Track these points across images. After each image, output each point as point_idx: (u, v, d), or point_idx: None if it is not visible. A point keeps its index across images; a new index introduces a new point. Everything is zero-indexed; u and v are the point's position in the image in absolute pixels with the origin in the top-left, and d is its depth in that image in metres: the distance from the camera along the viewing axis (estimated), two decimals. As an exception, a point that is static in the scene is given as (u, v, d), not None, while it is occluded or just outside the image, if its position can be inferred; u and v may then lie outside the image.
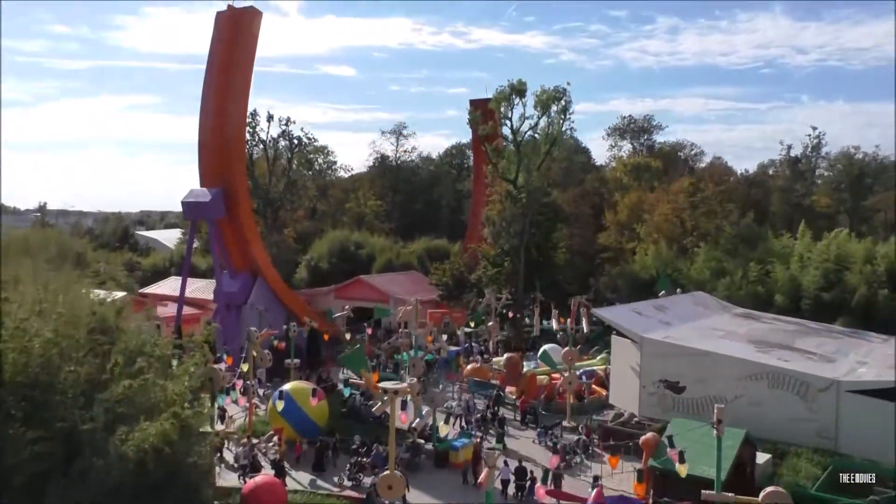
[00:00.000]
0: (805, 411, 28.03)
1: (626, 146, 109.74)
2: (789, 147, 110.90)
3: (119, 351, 20.49)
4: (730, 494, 19.57)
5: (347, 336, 46.20)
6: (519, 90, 58.21)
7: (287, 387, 32.08)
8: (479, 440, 30.14)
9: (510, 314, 54.66)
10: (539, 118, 57.82)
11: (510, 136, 58.93)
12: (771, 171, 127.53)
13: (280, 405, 28.64)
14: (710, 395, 30.28)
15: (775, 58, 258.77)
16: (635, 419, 31.85)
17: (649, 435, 24.11)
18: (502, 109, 59.01)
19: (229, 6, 48.84)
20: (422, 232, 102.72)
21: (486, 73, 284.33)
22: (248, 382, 32.51)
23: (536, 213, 57.73)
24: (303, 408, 30.67)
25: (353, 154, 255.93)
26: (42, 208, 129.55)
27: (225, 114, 47.85)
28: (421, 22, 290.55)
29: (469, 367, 41.54)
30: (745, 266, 45.71)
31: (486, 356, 48.65)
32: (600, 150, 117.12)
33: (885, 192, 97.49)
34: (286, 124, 69.58)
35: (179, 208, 56.25)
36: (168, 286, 59.21)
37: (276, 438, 30.31)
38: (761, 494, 18.44)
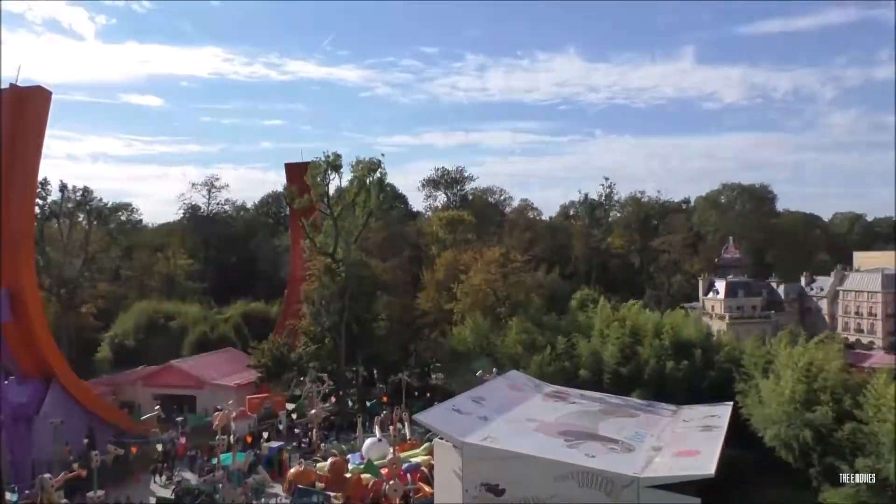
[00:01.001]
0: (611, 507, 30.29)
1: (441, 196, 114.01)
2: (586, 195, 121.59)
3: None
4: None
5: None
6: (334, 165, 58.42)
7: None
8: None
9: (333, 397, 54.16)
10: (356, 195, 58.23)
11: (327, 210, 58.72)
12: (571, 212, 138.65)
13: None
14: (528, 497, 31.84)
15: (572, 95, 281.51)
16: (460, 524, 32.62)
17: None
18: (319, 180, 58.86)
19: (12, 85, 44.24)
20: (238, 292, 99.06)
21: (302, 104, 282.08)
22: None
23: (356, 286, 57.86)
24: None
25: (161, 189, 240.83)
26: None
27: (8, 207, 43.15)
28: (233, 52, 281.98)
29: (293, 470, 40.36)
30: (552, 340, 48.73)
31: (309, 448, 47.68)
32: (418, 197, 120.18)
33: (668, 235, 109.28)
34: (83, 194, 64.46)
35: None
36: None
37: None
38: None
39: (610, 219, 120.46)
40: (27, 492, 40.45)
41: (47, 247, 62.52)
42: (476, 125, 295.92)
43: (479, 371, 47.05)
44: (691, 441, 33.73)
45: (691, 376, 42.16)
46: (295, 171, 71.69)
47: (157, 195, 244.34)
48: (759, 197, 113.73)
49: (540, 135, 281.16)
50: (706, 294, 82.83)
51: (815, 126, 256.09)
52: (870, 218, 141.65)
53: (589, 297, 76.24)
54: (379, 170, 60.03)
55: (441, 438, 35.01)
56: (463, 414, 36.79)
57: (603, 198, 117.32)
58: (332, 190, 59.30)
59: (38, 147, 45.42)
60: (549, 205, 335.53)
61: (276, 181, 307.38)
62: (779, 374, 36.73)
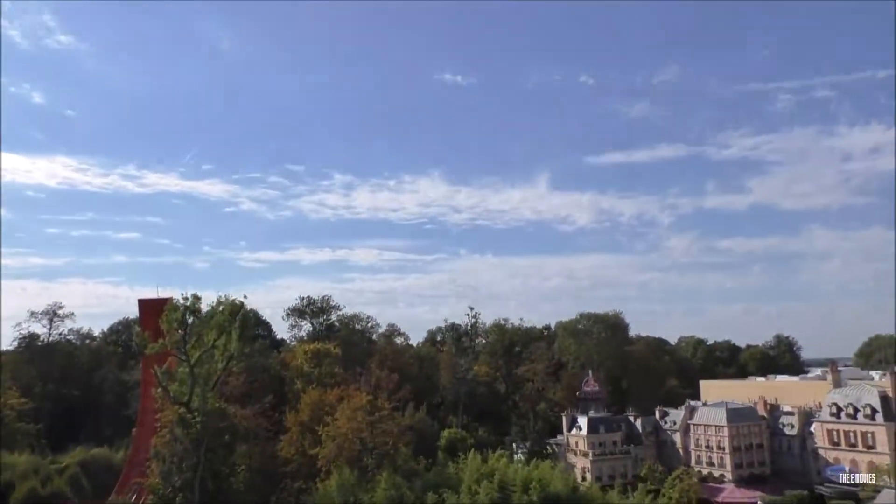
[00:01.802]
0: None
1: (306, 325, 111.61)
2: (453, 324, 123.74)
3: None
4: None
5: None
6: (193, 309, 55.82)
7: None
8: None
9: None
10: (215, 339, 55.59)
11: (184, 357, 55.42)
12: (438, 338, 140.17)
13: None
14: None
15: (436, 215, 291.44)
16: None
17: None
18: (175, 326, 55.76)
19: None
20: (79, 433, 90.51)
21: (161, 217, 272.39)
22: None
23: (213, 437, 54.14)
24: None
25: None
26: None
27: None
28: (87, 162, 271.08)
29: None
30: (421, 496, 47.40)
31: None
32: (282, 324, 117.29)
33: (531, 364, 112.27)
34: None
35: None
36: None
37: None
38: None
39: (476, 347, 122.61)
40: None
41: None
42: (344, 242, 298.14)
43: (346, 536, 44.65)
44: None
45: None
46: (149, 309, 68.10)
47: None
48: (614, 325, 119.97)
49: (406, 253, 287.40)
50: (570, 430, 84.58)
51: (658, 248, 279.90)
52: (710, 342, 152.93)
53: (457, 436, 76.25)
54: (241, 311, 58.09)
55: None
56: None
57: (469, 326, 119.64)
58: (189, 328, 56.18)
59: None
60: (417, 323, 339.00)
61: (129, 296, 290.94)
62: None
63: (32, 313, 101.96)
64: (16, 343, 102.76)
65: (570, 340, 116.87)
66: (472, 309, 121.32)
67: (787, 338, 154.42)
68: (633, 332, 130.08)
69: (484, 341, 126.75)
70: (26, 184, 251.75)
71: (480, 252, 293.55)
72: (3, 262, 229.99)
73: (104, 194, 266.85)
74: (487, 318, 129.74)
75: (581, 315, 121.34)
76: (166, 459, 52.94)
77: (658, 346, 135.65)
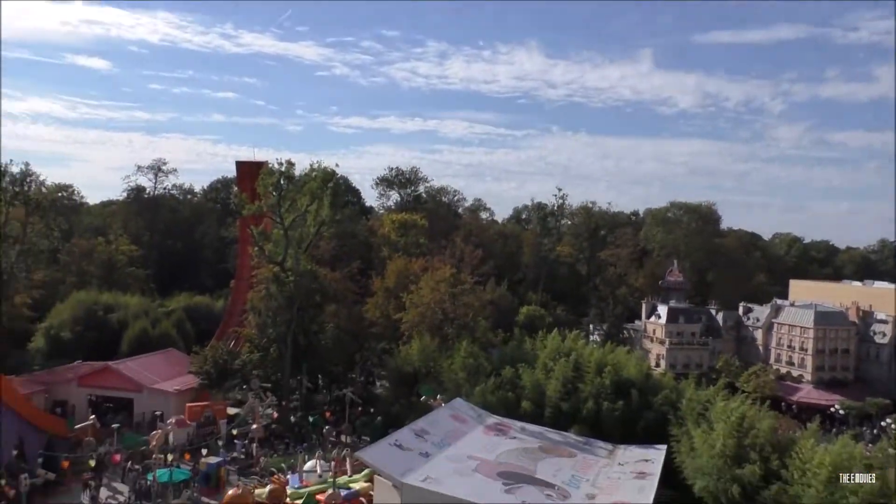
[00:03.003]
0: (544, 557, 31.04)
1: (394, 195, 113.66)
2: (539, 203, 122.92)
3: None
4: None
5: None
6: (287, 174, 57.66)
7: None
8: None
9: (275, 412, 53.85)
10: (308, 205, 57.55)
11: (278, 220, 57.92)
12: (524, 216, 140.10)
13: None
14: (468, 540, 32.38)
15: (531, 90, 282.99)
16: (397, 563, 32.95)
17: None
18: (271, 190, 57.98)
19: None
20: (182, 281, 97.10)
21: (257, 79, 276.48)
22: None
23: (304, 296, 57.40)
24: None
25: (105, 156, 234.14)
26: None
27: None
28: (187, 19, 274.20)
29: (230, 492, 39.97)
30: (498, 367, 49.34)
31: (248, 463, 47.39)
32: (372, 191, 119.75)
33: (616, 249, 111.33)
34: (21, 185, 62.06)
35: None
36: None
37: None
38: None
39: (561, 228, 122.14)
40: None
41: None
42: (434, 112, 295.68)
43: (424, 397, 47.40)
44: (624, 490, 34.66)
45: (628, 416, 43.24)
46: (246, 171, 70.67)
47: (100, 161, 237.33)
48: (705, 216, 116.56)
49: (497, 127, 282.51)
50: (648, 317, 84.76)
51: (763, 138, 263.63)
52: (807, 240, 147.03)
53: (536, 313, 77.83)
54: (333, 179, 59.64)
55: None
56: (404, 450, 37.00)
57: (555, 207, 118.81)
58: (284, 204, 58.13)
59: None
60: (503, 200, 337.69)
61: (227, 154, 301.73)
62: (712, 424, 38.01)
63: (139, 167, 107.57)
64: (125, 194, 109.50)
65: (657, 229, 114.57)
66: (559, 190, 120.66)
67: (893, 243, 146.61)
68: (724, 225, 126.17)
69: (569, 223, 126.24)
70: (130, 39, 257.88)
71: (573, 130, 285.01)
72: (111, 114, 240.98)
73: (203, 53, 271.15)
74: (575, 200, 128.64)
75: (672, 203, 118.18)
76: (262, 313, 56.78)
77: (750, 240, 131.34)
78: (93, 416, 49.23)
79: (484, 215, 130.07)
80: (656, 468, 37.56)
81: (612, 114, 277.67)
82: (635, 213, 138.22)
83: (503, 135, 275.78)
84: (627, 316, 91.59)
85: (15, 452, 42.43)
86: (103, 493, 43.40)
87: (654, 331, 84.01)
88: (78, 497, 41.92)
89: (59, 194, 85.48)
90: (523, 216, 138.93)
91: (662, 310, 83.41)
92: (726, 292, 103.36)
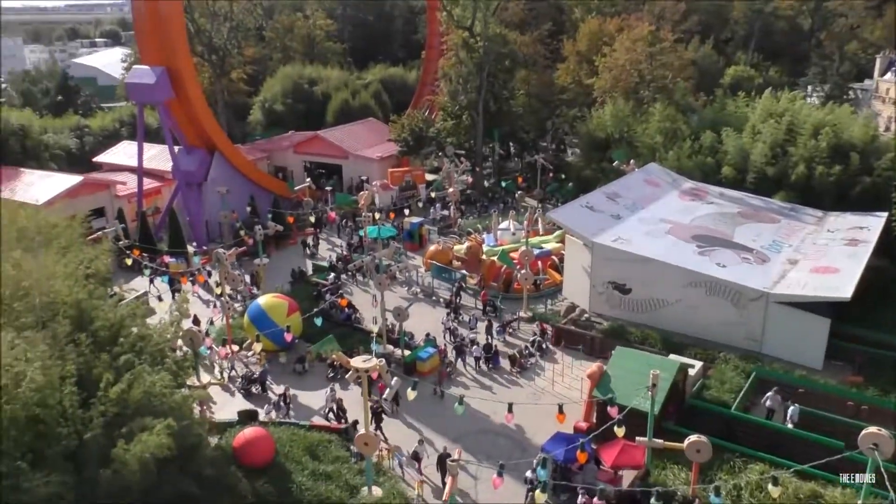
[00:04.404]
0: (736, 317, 31.07)
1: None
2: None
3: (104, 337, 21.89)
4: (658, 441, 22.96)
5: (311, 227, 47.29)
6: (474, -70, 54.07)
7: (261, 301, 34.03)
8: (443, 350, 33.04)
9: (469, 177, 55.76)
10: (495, -38, 54.29)
11: (465, -20, 55.66)
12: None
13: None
14: (653, 298, 33.16)
15: None
16: (586, 316, 34.78)
17: (594, 367, 26.81)
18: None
19: None
20: (376, 53, 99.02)
21: None
22: (223, 299, 34.14)
23: (494, 62, 56.45)
24: (278, 323, 32.59)
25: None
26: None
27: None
28: None
29: (432, 248, 43.40)
30: (697, 131, 46.46)
31: (446, 224, 50.54)
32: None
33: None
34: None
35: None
36: (123, 153, 58.03)
37: (256, 348, 31.94)
38: (685, 442, 21.82)
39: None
40: (203, 248, 46.67)
41: (195, 13, 64.14)
42: None
43: (616, 161, 46.45)
44: (832, 256, 32.81)
45: (844, 182, 39.51)
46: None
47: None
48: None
49: None
50: (882, 74, 73.66)
51: None
52: None
53: (744, 73, 70.67)
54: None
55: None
56: (595, 211, 37.33)
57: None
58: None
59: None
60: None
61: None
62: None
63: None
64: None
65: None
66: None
67: None
68: None
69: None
70: None
71: None
72: None
73: None
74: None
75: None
76: (453, 80, 56.96)
77: None
78: (308, 179, 54.24)
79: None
80: (872, 236, 34.86)
81: None
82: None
83: None
84: (855, 75, 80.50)
85: (249, 209, 48.52)
86: (323, 245, 49.15)
87: (887, 90, 73.52)
88: (301, 248, 47.94)
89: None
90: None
91: (902, 65, 72.19)
92: None
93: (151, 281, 40.67)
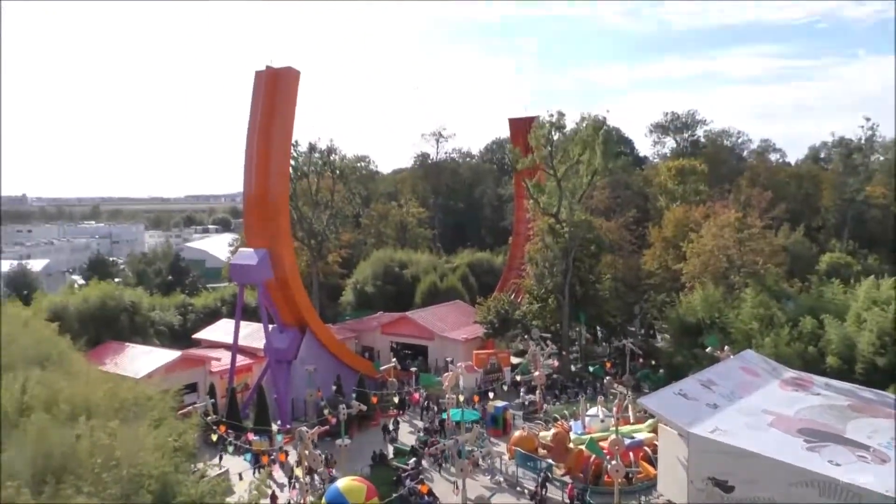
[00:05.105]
0: (857, 523, 27.79)
1: (670, 142, 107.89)
2: (841, 138, 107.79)
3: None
4: None
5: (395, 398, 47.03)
6: (558, 125, 57.78)
7: (339, 485, 33.15)
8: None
9: (556, 360, 54.94)
10: (580, 154, 57.10)
11: (551, 171, 58.36)
12: (822, 155, 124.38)
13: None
14: (759, 498, 30.27)
15: (831, 11, 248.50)
16: (684, 514, 31.98)
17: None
18: (543, 144, 58.49)
19: (268, 66, 49.05)
20: (464, 239, 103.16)
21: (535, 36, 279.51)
22: (303, 481, 33.50)
23: (579, 247, 57.45)
24: (356, 507, 31.41)
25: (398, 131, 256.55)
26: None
27: (268, 177, 48.48)
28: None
29: (517, 434, 41.96)
30: (794, 317, 44.79)
31: (532, 409, 49.14)
32: (645, 140, 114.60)
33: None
34: (328, 154, 70.37)
35: (227, 190, 56.92)
36: (220, 330, 60.74)
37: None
38: None
39: (870, 165, 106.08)
40: (287, 426, 46.68)
41: (299, 202, 69.33)
42: (716, 51, 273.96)
43: (710, 348, 44.85)
44: (963, 457, 29.52)
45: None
46: (518, 127, 72.36)
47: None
48: None
49: (789, 59, 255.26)
50: None
51: None
52: None
53: (840, 260, 68.94)
54: (604, 126, 58.31)
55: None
56: (690, 399, 35.46)
57: (862, 140, 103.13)
58: (555, 143, 58.40)
59: (291, 119, 50.02)
60: (795, 144, 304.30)
61: (501, 118, 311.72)
62: None
63: (422, 135, 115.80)
64: (412, 161, 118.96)
65: None
66: (867, 120, 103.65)
67: None
68: None
69: (882, 158, 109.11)
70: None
71: (887, 51, 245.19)
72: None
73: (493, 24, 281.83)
74: (889, 132, 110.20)
75: None
76: (539, 264, 58.03)
77: None
78: (394, 359, 54.74)
79: (773, 157, 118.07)
80: None
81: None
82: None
83: (797, 67, 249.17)
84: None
85: (334, 388, 48.89)
86: (404, 427, 48.33)
87: None
88: (385, 430, 47.25)
89: (358, 164, 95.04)
90: (821, 155, 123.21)
91: None
92: None
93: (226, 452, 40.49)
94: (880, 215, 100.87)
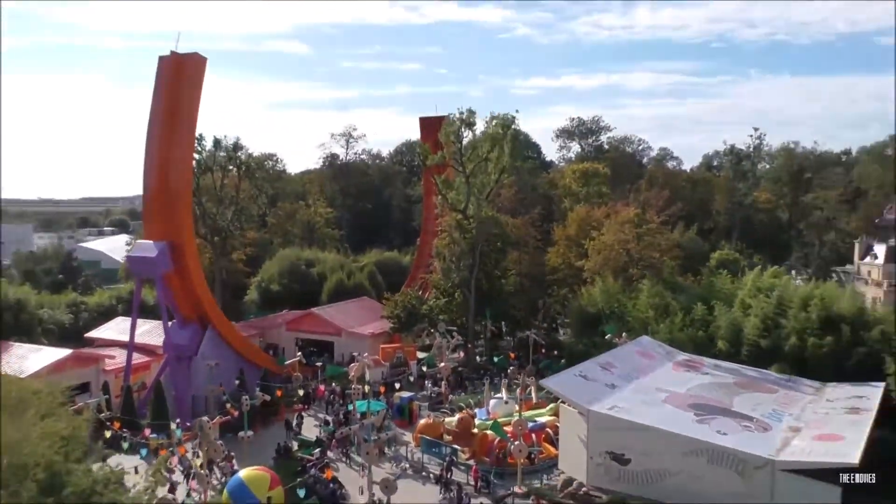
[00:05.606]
0: (742, 487, 29.42)
1: (575, 147, 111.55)
2: (732, 147, 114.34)
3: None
4: None
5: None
6: (468, 122, 58.55)
7: (242, 475, 32.27)
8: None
9: (462, 351, 55.48)
10: (489, 152, 58.14)
11: (460, 168, 59.12)
12: (715, 163, 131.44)
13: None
14: (654, 469, 31.58)
15: (726, 31, 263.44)
16: (584, 489, 32.94)
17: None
18: (452, 139, 59.22)
19: (172, 52, 47.41)
20: (373, 240, 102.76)
21: (440, 47, 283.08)
22: (203, 472, 32.42)
23: (486, 242, 58.35)
24: (258, 496, 30.74)
25: (305, 133, 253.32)
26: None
27: (169, 165, 46.83)
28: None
29: (422, 422, 42.12)
30: (687, 305, 47.09)
31: (438, 399, 49.42)
32: (552, 145, 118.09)
33: (823, 191, 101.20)
34: (234, 150, 68.67)
35: (125, 193, 54.51)
36: (115, 329, 58.02)
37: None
38: None
39: (757, 172, 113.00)
40: (188, 424, 45.03)
41: (203, 197, 67.21)
42: (618, 66, 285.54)
43: (609, 335, 46.49)
44: (834, 424, 31.84)
45: (837, 353, 39.39)
46: (429, 126, 72.92)
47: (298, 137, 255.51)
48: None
49: (687, 76, 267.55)
50: (862, 258, 76.42)
51: None
52: None
53: (729, 257, 72.88)
54: (513, 126, 59.62)
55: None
56: (589, 380, 36.65)
57: (751, 149, 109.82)
58: (465, 141, 59.32)
59: (196, 107, 48.55)
60: (691, 153, 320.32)
61: (411, 123, 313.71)
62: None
63: (332, 135, 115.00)
64: (321, 162, 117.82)
65: (874, 166, 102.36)
66: (755, 129, 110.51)
67: None
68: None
69: (767, 166, 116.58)
70: (325, 22, 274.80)
71: (774, 72, 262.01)
72: (309, 95, 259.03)
73: (389, 27, 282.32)
74: (774, 144, 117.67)
75: (892, 136, 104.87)
76: (446, 258, 58.56)
77: None
78: (299, 354, 53.82)
79: (671, 164, 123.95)
80: (872, 403, 34.09)
81: (822, 51, 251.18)
82: (846, 153, 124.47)
83: (694, 83, 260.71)
84: (836, 259, 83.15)
85: (237, 382, 47.62)
86: (309, 421, 47.55)
87: (868, 272, 75.66)
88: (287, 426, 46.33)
89: (266, 162, 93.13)
90: (714, 163, 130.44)
91: (879, 249, 74.80)
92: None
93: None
94: (766, 219, 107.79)
